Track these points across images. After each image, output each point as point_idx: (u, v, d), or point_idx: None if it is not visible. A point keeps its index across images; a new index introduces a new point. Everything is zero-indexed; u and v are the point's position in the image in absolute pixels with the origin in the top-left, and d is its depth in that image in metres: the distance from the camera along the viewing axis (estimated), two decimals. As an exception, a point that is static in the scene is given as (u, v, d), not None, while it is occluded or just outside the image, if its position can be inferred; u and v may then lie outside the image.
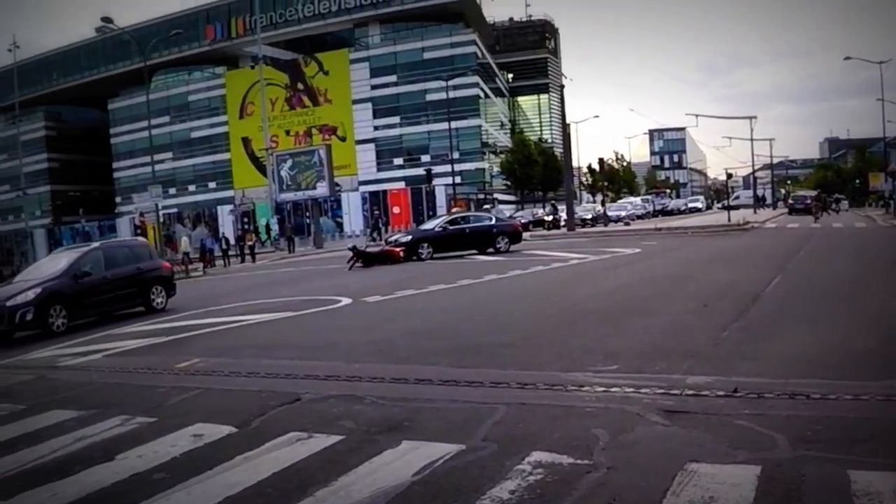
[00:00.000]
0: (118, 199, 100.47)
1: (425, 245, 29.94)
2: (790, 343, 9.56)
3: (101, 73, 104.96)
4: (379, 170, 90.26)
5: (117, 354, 12.99)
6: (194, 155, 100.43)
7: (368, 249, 30.11)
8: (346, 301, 17.64)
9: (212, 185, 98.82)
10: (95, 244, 20.42)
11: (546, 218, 55.75)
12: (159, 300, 19.74)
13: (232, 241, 47.80)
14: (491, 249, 30.42)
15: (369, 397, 8.01)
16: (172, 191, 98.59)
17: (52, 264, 18.70)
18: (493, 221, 33.08)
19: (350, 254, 28.78)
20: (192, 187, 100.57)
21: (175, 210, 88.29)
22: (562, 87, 66.92)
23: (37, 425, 8.03)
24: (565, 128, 53.05)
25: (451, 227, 31.13)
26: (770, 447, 5.67)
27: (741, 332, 10.43)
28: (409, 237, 31.55)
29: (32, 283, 17.03)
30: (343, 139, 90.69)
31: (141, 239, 27.84)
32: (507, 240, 30.94)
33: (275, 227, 59.26)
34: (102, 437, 7.39)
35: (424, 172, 67.77)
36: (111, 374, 11.16)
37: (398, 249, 29.49)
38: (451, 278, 20.74)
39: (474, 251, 30.40)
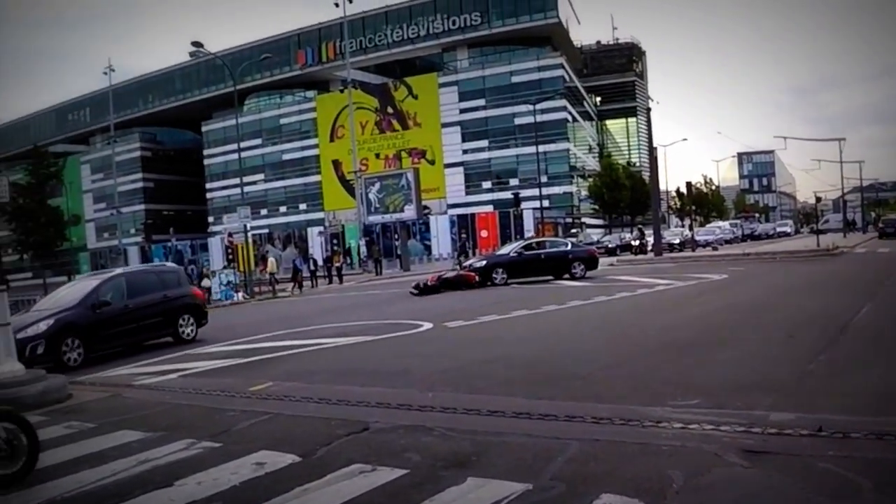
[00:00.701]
0: (211, 219, 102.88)
1: (500, 270, 29.54)
2: (880, 377, 8.96)
3: (195, 96, 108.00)
4: (467, 193, 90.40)
5: (193, 375, 13.04)
6: (286, 177, 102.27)
7: (446, 275, 29.71)
8: (427, 326, 17.38)
9: (302, 206, 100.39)
10: (118, 270, 19.32)
11: (633, 243, 54.71)
12: (188, 330, 18.64)
13: (320, 263, 48.13)
14: (566, 276, 29.84)
15: (439, 429, 7.71)
16: (264, 212, 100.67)
17: (71, 293, 17.72)
18: (569, 247, 32.41)
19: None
20: (283, 208, 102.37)
21: (266, 231, 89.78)
22: (648, 109, 65.90)
23: (103, 445, 7.98)
24: (652, 151, 52.12)
25: (525, 253, 30.66)
26: (854, 494, 5.19)
27: (828, 365, 9.86)
28: (484, 262, 31.17)
29: (46, 314, 16.14)
30: (432, 162, 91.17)
31: (171, 265, 26.14)
32: (582, 266, 30.23)
33: (363, 249, 59.63)
34: (166, 460, 7.31)
35: (512, 196, 67.51)
36: (184, 395, 11.13)
37: (473, 274, 29.20)
38: (535, 304, 20.36)
39: (549, 277, 29.88)
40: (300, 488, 6.06)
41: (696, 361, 10.63)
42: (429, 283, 28.05)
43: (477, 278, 28.82)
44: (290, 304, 31.28)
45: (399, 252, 56.59)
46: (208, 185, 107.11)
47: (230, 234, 43.52)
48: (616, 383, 9.53)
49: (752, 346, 11.69)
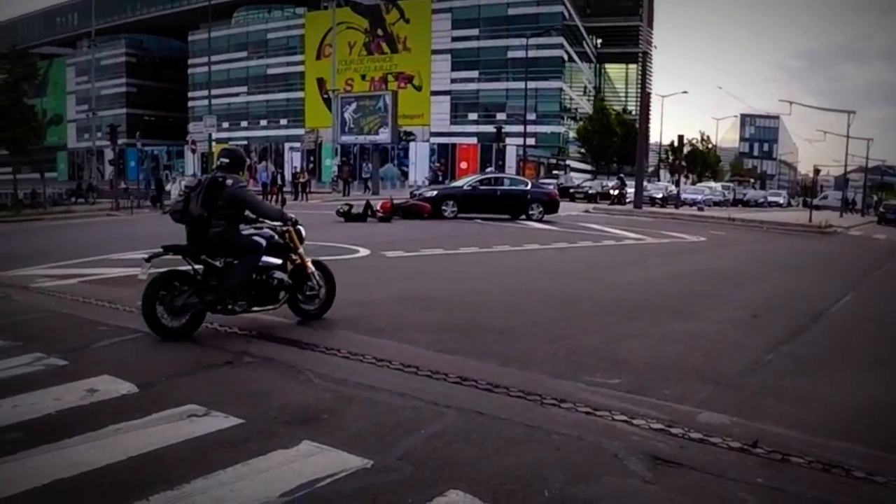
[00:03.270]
0: (190, 127, 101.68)
1: (451, 203, 27.99)
2: (845, 386, 7.40)
3: (183, 6, 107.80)
4: (452, 123, 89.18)
5: (96, 282, 11.93)
6: (269, 91, 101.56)
7: (397, 201, 28.28)
8: (363, 252, 16.38)
9: (283, 121, 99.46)
10: None
11: (611, 192, 52.74)
12: None
13: (288, 178, 47.08)
14: (523, 216, 28.54)
15: (308, 372, 6.73)
16: (245, 124, 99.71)
17: None
18: (528, 187, 30.77)
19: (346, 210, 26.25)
20: (263, 122, 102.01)
21: (244, 143, 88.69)
22: (646, 53, 64.29)
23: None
24: (645, 97, 50.75)
25: (480, 188, 28.90)
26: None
27: (788, 360, 8.32)
28: (434, 192, 29.62)
29: None
30: (419, 88, 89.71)
31: None
32: (541, 208, 28.79)
33: (334, 169, 58.47)
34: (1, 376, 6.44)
35: (495, 130, 66.34)
36: (69, 303, 10.05)
37: (427, 205, 27.75)
38: (488, 242, 19.32)
39: (506, 216, 28.42)
40: (114, 426, 5.18)
41: (637, 331, 9.31)
42: (352, 211, 25.95)
43: (430, 209, 27.58)
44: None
45: (369, 174, 55.28)
46: (191, 94, 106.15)
47: (193, 142, 42.40)
48: (535, 345, 8.33)
49: (708, 322, 10.25)
